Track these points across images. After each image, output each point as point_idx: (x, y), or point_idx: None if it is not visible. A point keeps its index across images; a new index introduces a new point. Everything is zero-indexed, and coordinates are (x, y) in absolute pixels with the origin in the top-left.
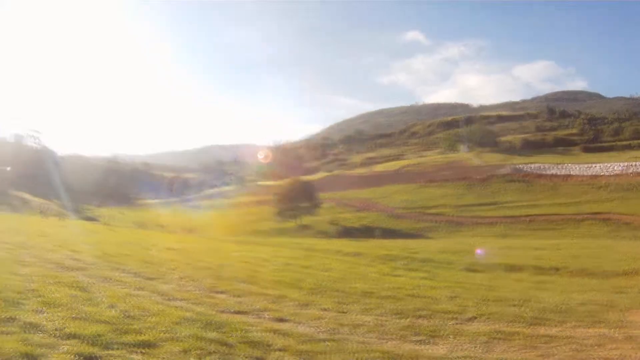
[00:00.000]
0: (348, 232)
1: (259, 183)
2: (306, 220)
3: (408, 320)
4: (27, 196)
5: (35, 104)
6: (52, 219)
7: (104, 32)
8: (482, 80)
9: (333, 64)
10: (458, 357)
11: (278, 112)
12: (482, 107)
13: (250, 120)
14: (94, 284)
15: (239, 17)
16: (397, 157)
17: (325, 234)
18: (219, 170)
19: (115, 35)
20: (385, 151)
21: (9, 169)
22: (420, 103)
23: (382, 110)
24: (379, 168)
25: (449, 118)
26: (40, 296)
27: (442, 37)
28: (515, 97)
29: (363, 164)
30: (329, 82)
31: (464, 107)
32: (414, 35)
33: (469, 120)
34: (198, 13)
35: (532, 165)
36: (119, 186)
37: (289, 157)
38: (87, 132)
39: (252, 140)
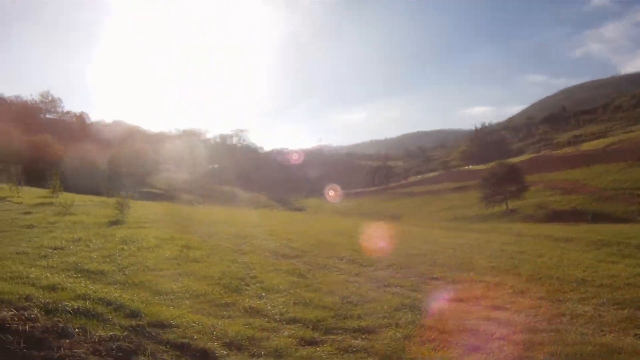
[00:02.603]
0: (556, 216)
1: (464, 168)
2: (512, 204)
3: (628, 311)
4: (236, 190)
5: (241, 105)
6: (262, 210)
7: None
8: None
9: (521, 41)
10: None
11: (473, 94)
12: None
13: (448, 105)
14: (311, 270)
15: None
16: (602, 134)
17: (532, 219)
18: (422, 157)
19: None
20: (591, 128)
21: (216, 166)
22: (621, 73)
23: (582, 84)
24: (585, 147)
25: None
26: (260, 282)
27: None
28: None
29: (569, 143)
30: (519, 60)
31: None
32: (599, 1)
33: None
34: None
35: None
36: (325, 177)
37: (493, 139)
38: (292, 126)
39: (453, 125)
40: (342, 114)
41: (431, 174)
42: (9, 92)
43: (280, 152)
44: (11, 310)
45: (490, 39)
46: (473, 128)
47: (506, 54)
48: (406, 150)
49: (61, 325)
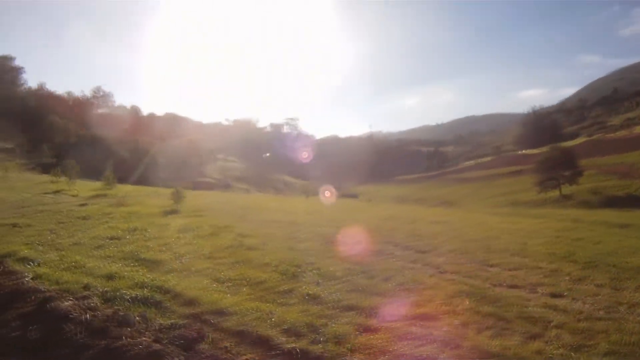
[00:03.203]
0: (612, 202)
1: (516, 152)
2: (567, 189)
3: None
4: (288, 178)
5: (292, 94)
6: (314, 198)
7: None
8: None
9: (574, 21)
10: None
11: (525, 77)
12: None
13: (499, 88)
14: (366, 257)
15: None
16: None
17: (587, 204)
18: (474, 142)
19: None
20: None
21: (268, 154)
22: None
23: (636, 64)
24: None
25: None
26: (317, 269)
27: None
28: None
29: (623, 126)
30: (572, 40)
31: None
32: None
33: None
34: None
35: None
36: (377, 163)
37: (546, 123)
38: (343, 114)
39: (505, 109)
40: (393, 100)
41: (484, 159)
42: (61, 88)
43: (332, 139)
44: (70, 300)
45: (542, 19)
46: (525, 112)
47: (559, 35)
48: (458, 135)
49: (121, 313)
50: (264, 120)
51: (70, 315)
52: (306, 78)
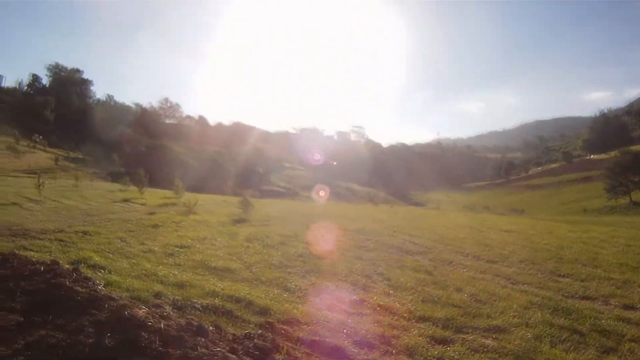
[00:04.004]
0: None
1: (586, 157)
2: (637, 196)
3: None
4: (354, 186)
5: (358, 102)
6: (382, 206)
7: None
8: None
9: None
10: None
11: (592, 78)
12: None
13: (566, 90)
14: (437, 267)
15: None
16: None
17: None
18: (542, 147)
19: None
20: None
21: (335, 163)
22: None
23: None
24: None
25: None
26: (387, 279)
27: None
28: None
29: None
30: (637, 40)
31: None
32: None
33: None
34: None
35: None
36: (444, 170)
37: (614, 127)
38: (407, 121)
39: (572, 112)
40: (455, 105)
41: (552, 165)
42: (129, 99)
43: (400, 147)
44: (144, 308)
45: (607, 19)
46: (592, 115)
47: (624, 35)
48: (525, 141)
49: (195, 323)
50: (330, 128)
51: (148, 324)
52: (370, 86)
